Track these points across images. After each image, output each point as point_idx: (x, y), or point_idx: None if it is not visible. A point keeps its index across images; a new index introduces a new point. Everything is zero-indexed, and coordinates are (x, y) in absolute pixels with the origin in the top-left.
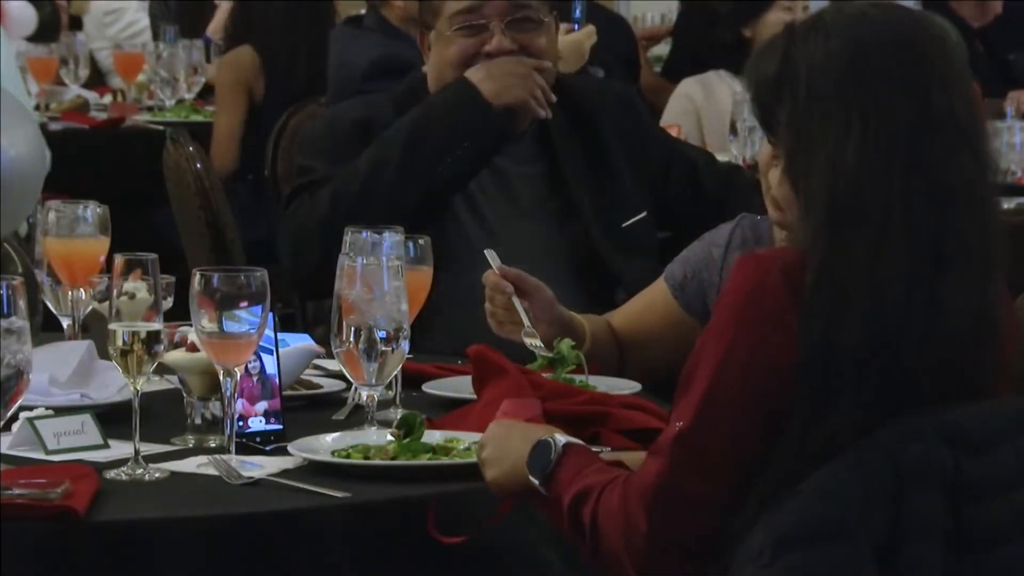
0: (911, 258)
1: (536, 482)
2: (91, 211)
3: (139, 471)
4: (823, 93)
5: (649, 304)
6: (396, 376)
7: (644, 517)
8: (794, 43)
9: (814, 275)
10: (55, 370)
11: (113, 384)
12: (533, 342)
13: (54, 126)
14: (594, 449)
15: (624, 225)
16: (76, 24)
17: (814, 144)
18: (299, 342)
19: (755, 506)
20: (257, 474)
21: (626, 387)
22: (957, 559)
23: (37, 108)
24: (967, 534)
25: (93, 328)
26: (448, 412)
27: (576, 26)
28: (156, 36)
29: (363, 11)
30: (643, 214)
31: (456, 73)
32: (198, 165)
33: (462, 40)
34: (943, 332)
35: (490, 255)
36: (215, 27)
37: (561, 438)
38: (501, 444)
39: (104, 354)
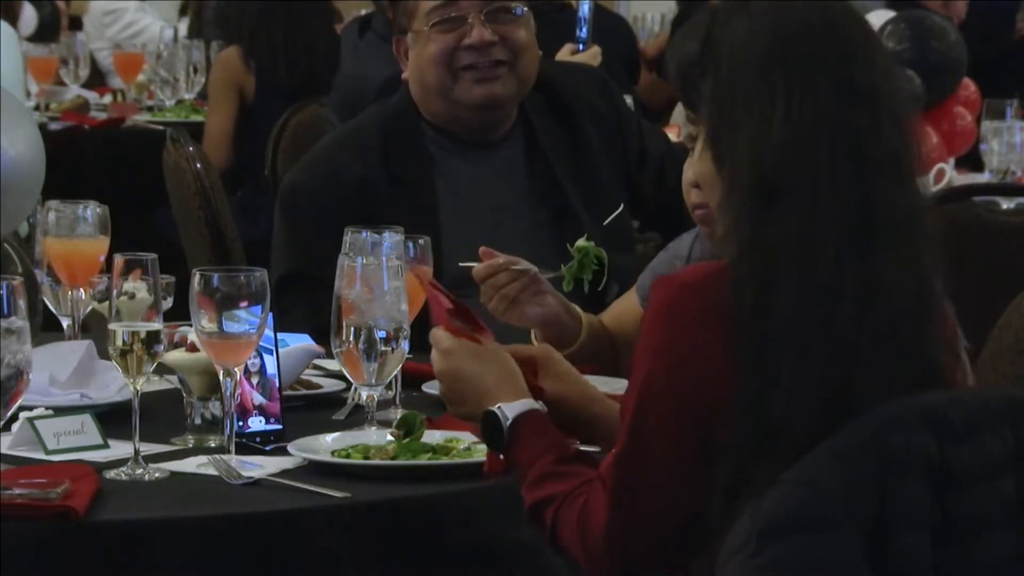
0: (841, 228)
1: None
2: (91, 211)
3: (139, 471)
4: (746, 69)
5: (626, 310)
6: (396, 376)
7: (607, 560)
8: (717, 23)
9: (741, 249)
10: (55, 370)
11: (113, 384)
12: (552, 275)
13: (54, 126)
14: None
15: (605, 224)
16: (76, 24)
17: (738, 120)
18: (299, 342)
19: (722, 500)
20: (257, 474)
21: (621, 386)
22: (944, 547)
23: (37, 108)
24: (953, 522)
25: (93, 328)
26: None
27: (581, 46)
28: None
29: (364, 11)
30: (620, 208)
31: (438, 71)
32: (198, 165)
33: (441, 36)
34: (880, 302)
35: (465, 265)
36: None
37: (507, 410)
38: (455, 386)
39: (104, 354)
